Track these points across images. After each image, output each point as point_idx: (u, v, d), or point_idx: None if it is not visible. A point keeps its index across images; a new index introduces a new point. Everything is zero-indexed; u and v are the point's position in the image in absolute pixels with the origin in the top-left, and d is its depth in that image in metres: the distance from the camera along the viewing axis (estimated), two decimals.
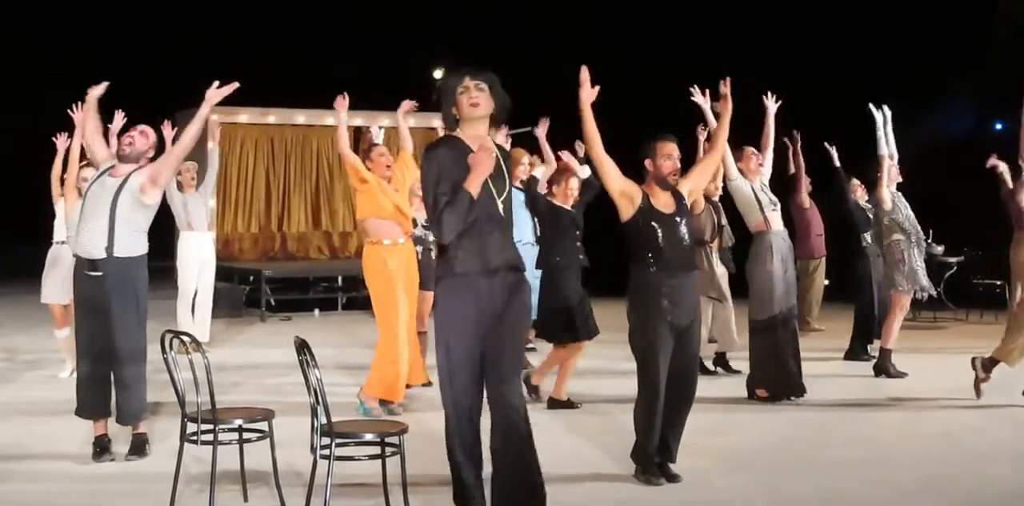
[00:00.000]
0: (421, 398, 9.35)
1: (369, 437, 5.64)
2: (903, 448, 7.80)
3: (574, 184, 8.91)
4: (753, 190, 9.37)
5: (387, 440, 5.66)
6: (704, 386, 9.87)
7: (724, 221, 10.74)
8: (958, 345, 12.38)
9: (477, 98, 5.39)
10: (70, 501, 6.23)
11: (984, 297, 14.87)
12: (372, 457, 5.70)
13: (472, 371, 5.38)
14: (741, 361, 10.00)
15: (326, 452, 5.53)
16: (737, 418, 8.71)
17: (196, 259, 12.00)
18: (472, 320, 5.33)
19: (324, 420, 5.48)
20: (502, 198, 5.41)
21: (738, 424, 8.48)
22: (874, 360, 10.99)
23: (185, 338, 5.96)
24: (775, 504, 6.33)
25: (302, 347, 5.53)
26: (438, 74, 24.78)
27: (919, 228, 10.58)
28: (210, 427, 5.92)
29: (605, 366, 10.58)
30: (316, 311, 16.68)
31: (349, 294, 17.09)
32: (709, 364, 10.64)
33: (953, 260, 15.50)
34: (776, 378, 9.26)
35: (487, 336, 5.35)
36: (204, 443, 5.97)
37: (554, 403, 8.89)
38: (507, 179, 5.48)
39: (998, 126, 18.65)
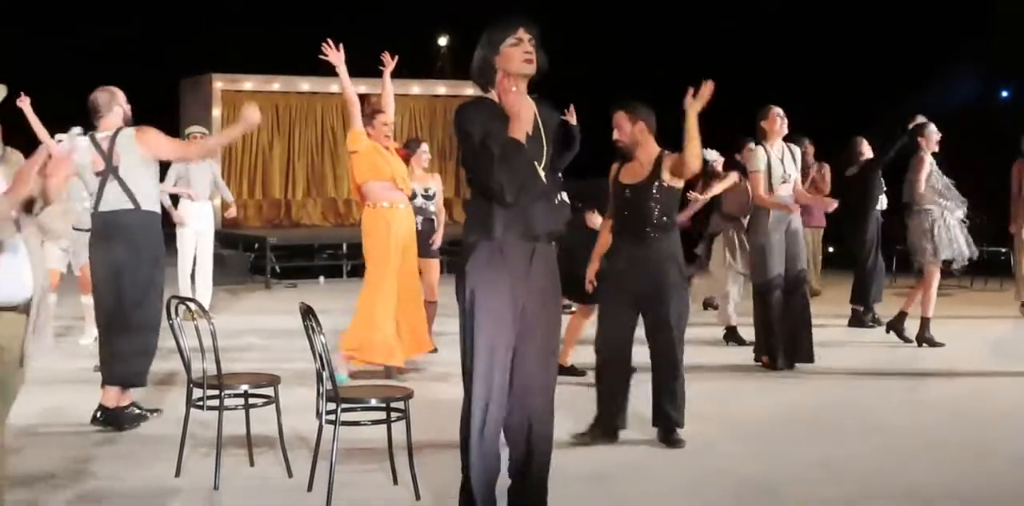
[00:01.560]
0: (424, 364, 9.38)
1: (374, 402, 5.66)
2: (908, 415, 7.82)
3: None
4: (769, 159, 9.26)
5: (392, 405, 5.68)
6: (717, 355, 9.99)
7: None
8: (962, 314, 12.41)
9: (532, 54, 4.77)
10: (76, 466, 6.25)
11: (988, 264, 14.82)
12: (377, 422, 5.72)
13: (508, 360, 4.81)
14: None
15: (331, 417, 5.55)
16: (745, 386, 8.74)
17: (194, 228, 11.96)
18: (508, 291, 4.76)
19: (329, 385, 5.50)
20: (542, 165, 4.84)
21: (745, 392, 8.51)
22: (877, 327, 11.04)
23: (191, 305, 5.99)
24: (777, 470, 6.35)
25: (307, 313, 5.54)
26: (443, 41, 24.70)
27: (958, 194, 10.44)
28: (216, 393, 5.95)
29: None
30: (321, 278, 16.70)
31: (354, 261, 17.07)
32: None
33: None
34: (776, 345, 9.26)
35: (523, 319, 4.82)
36: (210, 408, 6.00)
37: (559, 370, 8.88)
38: (544, 143, 4.87)
39: (1004, 94, 18.59)
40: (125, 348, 7.21)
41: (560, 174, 5.08)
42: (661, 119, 6.87)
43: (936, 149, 10.34)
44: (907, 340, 10.49)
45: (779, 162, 9.27)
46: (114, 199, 7.16)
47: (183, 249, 11.94)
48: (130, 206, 7.14)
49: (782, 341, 9.23)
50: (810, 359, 9.28)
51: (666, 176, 6.78)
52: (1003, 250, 14.18)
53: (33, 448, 6.70)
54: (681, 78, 6.80)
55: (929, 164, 10.26)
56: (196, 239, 11.96)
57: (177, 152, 7.92)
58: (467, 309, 4.80)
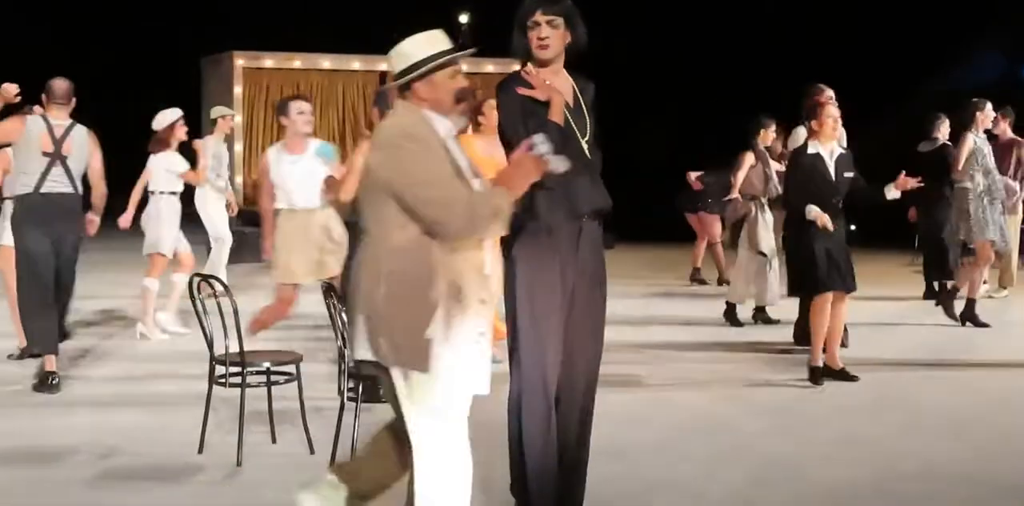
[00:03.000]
0: None
1: None
2: (929, 394, 7.81)
3: None
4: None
5: None
6: (745, 334, 9.97)
7: (772, 172, 10.59)
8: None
9: (547, 38, 4.69)
10: (96, 449, 6.26)
11: None
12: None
13: (559, 342, 4.71)
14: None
15: (353, 394, 5.56)
16: (773, 367, 8.68)
17: (221, 207, 12.03)
18: (558, 274, 4.68)
19: (352, 363, 5.50)
20: (586, 138, 4.78)
21: (771, 372, 8.45)
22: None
23: (214, 282, 6.00)
24: (798, 445, 6.35)
25: (328, 291, 5.54)
26: (464, 18, 24.64)
27: (997, 179, 10.37)
28: (238, 370, 5.96)
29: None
30: None
31: None
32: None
33: None
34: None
35: (572, 301, 4.74)
36: (232, 386, 6.01)
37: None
38: (587, 118, 4.83)
39: None
40: (51, 319, 7.76)
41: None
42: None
43: (985, 128, 10.26)
44: (984, 325, 10.38)
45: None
46: (56, 182, 7.75)
47: (224, 228, 11.95)
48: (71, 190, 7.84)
49: None
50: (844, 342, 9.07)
51: None
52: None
53: (57, 424, 6.74)
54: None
55: (973, 142, 10.18)
56: (221, 217, 12.01)
57: (95, 164, 8.10)
58: (514, 293, 4.70)
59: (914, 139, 11.78)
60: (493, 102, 7.60)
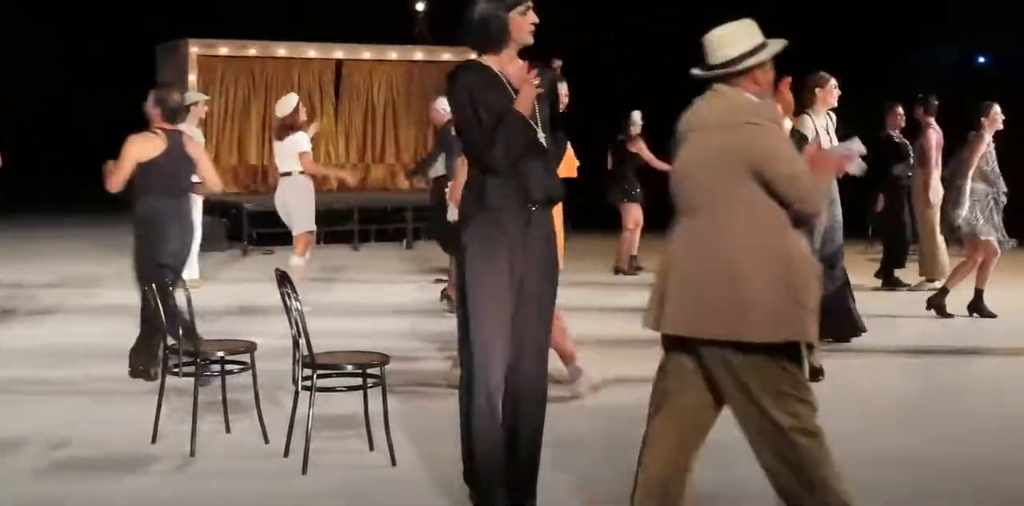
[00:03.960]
0: (398, 331, 9.39)
1: (350, 369, 5.66)
2: (883, 381, 7.87)
3: None
4: (816, 128, 8.79)
5: (368, 372, 5.68)
6: None
7: None
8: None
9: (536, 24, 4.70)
10: (48, 439, 6.21)
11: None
12: (353, 389, 5.73)
13: (508, 329, 4.71)
14: None
15: (307, 384, 5.55)
16: None
17: (194, 197, 11.98)
18: (507, 261, 4.67)
19: (306, 351, 5.50)
20: (542, 126, 4.75)
21: None
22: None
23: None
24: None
25: (283, 279, 5.53)
26: (420, 6, 24.57)
27: (1001, 182, 10.35)
28: (192, 359, 5.93)
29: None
30: None
31: (330, 228, 17.05)
32: None
33: None
34: (835, 319, 8.97)
35: (520, 290, 4.73)
36: (186, 375, 5.99)
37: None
38: (549, 106, 4.82)
39: (980, 59, 18.64)
40: None
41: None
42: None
43: (998, 129, 10.30)
44: (991, 315, 10.38)
45: (824, 132, 8.97)
46: None
47: (197, 219, 11.91)
48: None
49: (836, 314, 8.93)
50: (861, 331, 8.98)
51: None
52: None
53: (8, 414, 6.70)
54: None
55: (987, 144, 10.25)
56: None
57: None
58: (464, 280, 4.72)
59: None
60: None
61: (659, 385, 4.37)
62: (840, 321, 8.77)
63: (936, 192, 11.54)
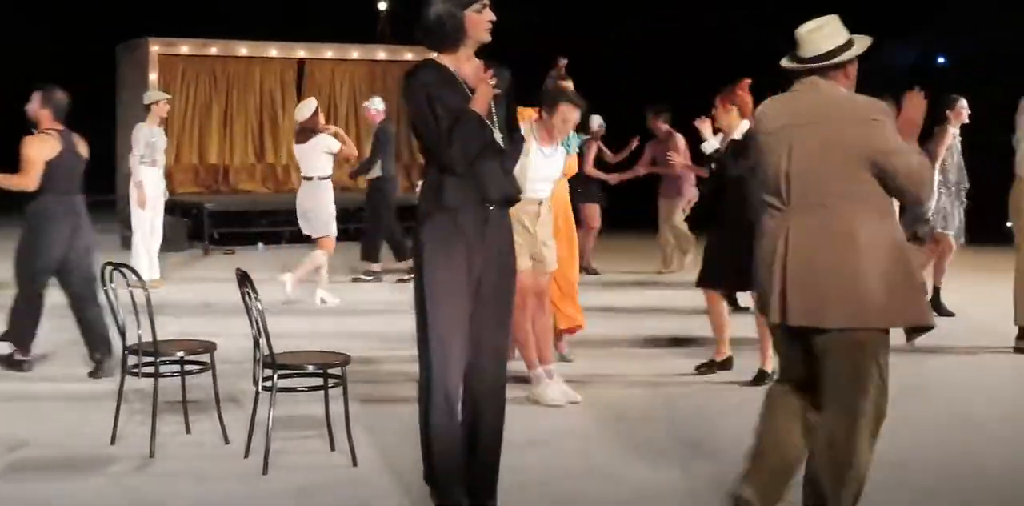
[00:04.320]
0: (362, 331, 9.37)
1: (311, 369, 5.64)
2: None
3: None
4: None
5: (330, 372, 5.67)
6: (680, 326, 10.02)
7: None
8: None
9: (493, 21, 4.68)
10: (6, 441, 6.15)
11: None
12: (314, 389, 5.71)
13: (465, 329, 4.70)
14: None
15: (268, 384, 5.53)
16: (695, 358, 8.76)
17: (155, 195, 11.96)
18: (464, 260, 4.67)
19: (266, 351, 5.48)
20: (499, 126, 4.74)
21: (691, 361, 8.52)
22: None
23: (126, 271, 5.92)
24: (713, 431, 6.42)
25: (244, 279, 5.51)
26: (382, 6, 24.52)
27: (964, 176, 10.40)
28: (151, 359, 5.90)
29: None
30: (260, 245, 16.59)
31: (293, 228, 16.98)
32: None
33: None
34: None
35: (478, 290, 4.73)
36: (145, 375, 5.95)
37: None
38: (505, 106, 4.81)
39: (940, 60, 18.77)
40: None
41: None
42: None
43: (964, 122, 10.35)
44: (950, 314, 10.40)
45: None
46: None
47: (142, 214, 11.86)
48: None
49: None
50: None
51: None
52: None
53: None
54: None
55: (953, 137, 10.29)
56: (153, 204, 11.92)
57: None
58: (421, 280, 4.70)
59: None
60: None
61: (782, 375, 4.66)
62: None
63: None
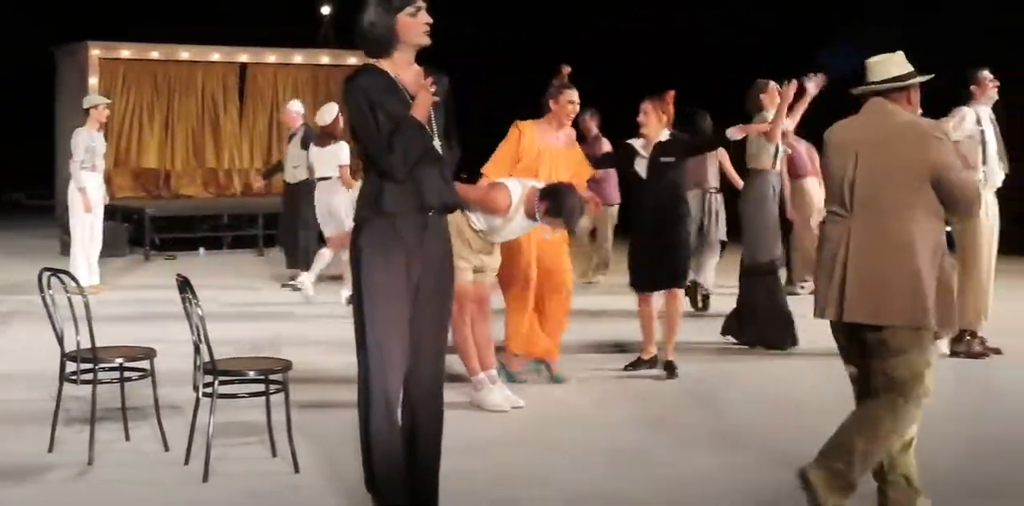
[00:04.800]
0: (303, 338, 9.33)
1: (252, 375, 5.61)
2: (758, 381, 7.98)
3: None
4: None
5: (271, 378, 5.64)
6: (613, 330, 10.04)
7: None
8: None
9: (431, 24, 4.64)
10: None
11: None
12: (255, 395, 5.68)
13: (404, 334, 4.68)
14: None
15: (209, 390, 5.50)
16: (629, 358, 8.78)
17: (96, 200, 11.89)
18: (403, 266, 4.65)
19: (207, 358, 5.44)
20: (438, 134, 4.73)
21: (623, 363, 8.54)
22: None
23: (63, 277, 5.86)
24: (655, 435, 6.45)
25: (184, 285, 5.47)
26: (325, 10, 24.45)
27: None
28: (90, 366, 5.84)
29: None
30: (201, 250, 16.49)
31: (235, 233, 16.91)
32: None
33: None
34: (774, 325, 9.04)
35: (416, 295, 4.71)
36: (84, 382, 5.89)
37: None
38: (444, 113, 4.80)
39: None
40: None
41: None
42: None
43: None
44: None
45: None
46: None
47: (82, 219, 11.77)
48: None
49: (776, 320, 9.07)
50: (796, 341, 9.05)
51: None
52: None
53: None
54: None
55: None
56: (93, 209, 11.86)
57: None
58: (361, 285, 4.68)
59: None
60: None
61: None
62: (776, 330, 8.99)
63: None
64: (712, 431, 6.63)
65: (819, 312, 4.89)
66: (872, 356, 4.79)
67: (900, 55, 4.96)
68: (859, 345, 4.85)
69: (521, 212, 6.87)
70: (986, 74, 8.82)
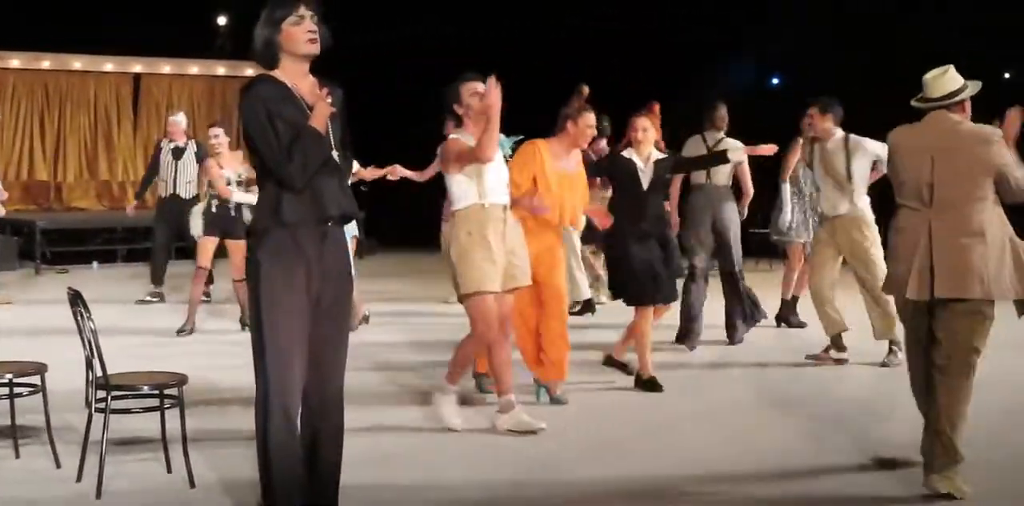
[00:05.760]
0: (199, 351, 9.22)
1: (146, 389, 5.51)
2: (720, 391, 8.03)
3: None
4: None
5: (166, 392, 5.55)
6: None
7: None
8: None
9: (316, 33, 4.60)
10: None
11: (761, 247, 15.11)
12: (149, 410, 5.58)
13: (304, 347, 4.63)
14: None
15: (101, 405, 5.39)
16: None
17: None
18: (303, 278, 4.59)
19: (99, 372, 5.34)
20: (335, 144, 4.67)
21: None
22: None
23: None
24: (560, 446, 6.45)
25: (76, 298, 5.37)
26: (222, 21, 24.17)
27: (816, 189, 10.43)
28: None
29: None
30: (95, 263, 16.22)
31: (129, 246, 16.65)
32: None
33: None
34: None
35: (316, 307, 4.66)
36: None
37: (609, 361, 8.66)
38: (339, 124, 4.74)
39: (775, 81, 19.22)
40: None
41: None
42: None
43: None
44: (801, 325, 10.65)
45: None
46: None
47: None
48: None
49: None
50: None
51: None
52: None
53: None
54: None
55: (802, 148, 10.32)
56: None
57: None
58: (259, 298, 4.59)
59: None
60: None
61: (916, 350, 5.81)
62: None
63: None
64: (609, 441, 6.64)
65: (912, 293, 5.56)
66: (947, 329, 5.55)
67: (951, 70, 5.68)
68: (934, 320, 5.59)
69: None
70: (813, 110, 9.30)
